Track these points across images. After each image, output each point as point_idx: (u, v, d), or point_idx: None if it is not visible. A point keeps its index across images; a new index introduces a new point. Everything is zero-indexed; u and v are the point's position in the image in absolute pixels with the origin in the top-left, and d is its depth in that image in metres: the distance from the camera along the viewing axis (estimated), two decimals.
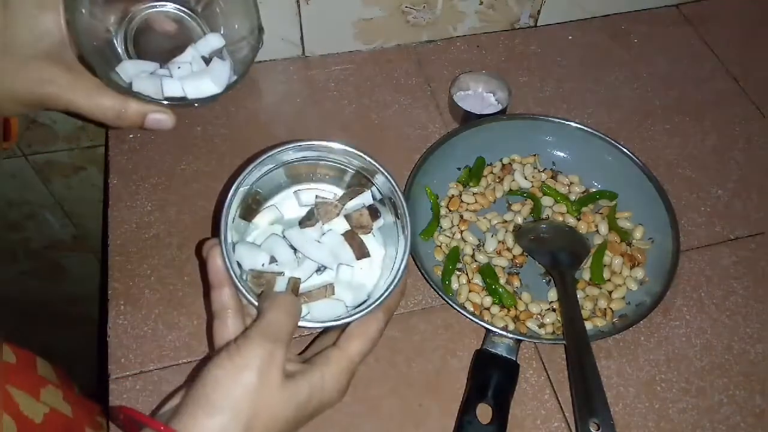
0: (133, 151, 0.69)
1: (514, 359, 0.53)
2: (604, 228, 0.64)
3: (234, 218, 0.48)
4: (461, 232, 0.64)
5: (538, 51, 0.81)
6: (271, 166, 0.49)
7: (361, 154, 0.48)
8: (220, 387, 0.36)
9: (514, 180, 0.67)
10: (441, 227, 0.64)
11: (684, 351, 0.57)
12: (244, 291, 0.42)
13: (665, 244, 0.60)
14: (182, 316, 0.58)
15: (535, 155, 0.69)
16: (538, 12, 0.81)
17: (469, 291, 0.59)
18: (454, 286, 0.60)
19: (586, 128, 0.67)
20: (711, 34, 0.84)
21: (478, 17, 0.80)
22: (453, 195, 0.66)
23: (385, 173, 0.48)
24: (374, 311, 0.44)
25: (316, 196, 0.52)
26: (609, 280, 0.61)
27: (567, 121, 0.67)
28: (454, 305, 0.55)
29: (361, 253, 0.49)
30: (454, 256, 0.61)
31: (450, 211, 0.65)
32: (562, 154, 0.69)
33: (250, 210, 0.51)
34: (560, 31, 0.83)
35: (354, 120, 0.73)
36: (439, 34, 0.80)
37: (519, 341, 0.54)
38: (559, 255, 0.60)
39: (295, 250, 0.49)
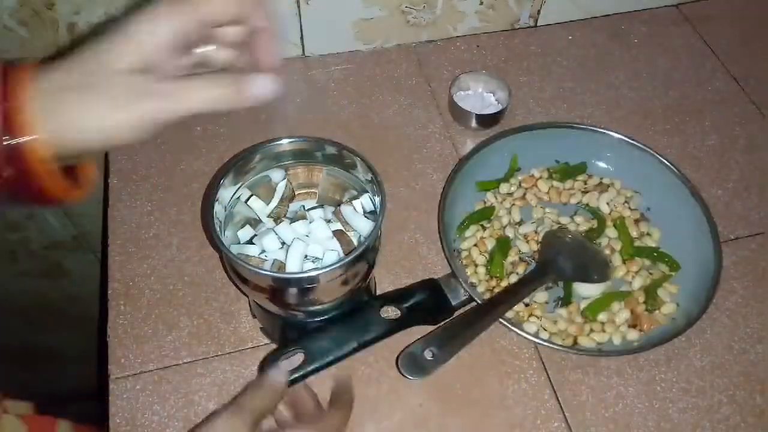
0: (133, 151, 0.69)
1: (453, 304, 0.56)
2: (638, 283, 0.60)
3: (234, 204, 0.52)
4: (513, 202, 0.65)
5: (538, 51, 0.81)
6: (265, 159, 0.52)
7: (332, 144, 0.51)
8: None
9: (599, 198, 0.65)
10: (499, 191, 0.66)
11: (684, 351, 0.57)
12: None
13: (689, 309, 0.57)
14: (182, 316, 0.58)
15: (637, 192, 0.66)
16: (538, 12, 0.81)
17: (475, 245, 0.61)
18: (468, 236, 0.62)
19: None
20: (711, 34, 0.84)
21: (478, 17, 0.80)
22: (534, 175, 0.67)
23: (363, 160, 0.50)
24: None
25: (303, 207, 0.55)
26: (600, 321, 0.58)
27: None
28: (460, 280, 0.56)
29: (349, 250, 0.50)
30: (504, 245, 0.61)
31: (520, 185, 0.66)
32: (657, 208, 0.65)
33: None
34: (560, 31, 0.83)
35: (354, 120, 0.73)
36: (439, 34, 0.80)
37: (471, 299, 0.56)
38: (565, 261, 0.59)
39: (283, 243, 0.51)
